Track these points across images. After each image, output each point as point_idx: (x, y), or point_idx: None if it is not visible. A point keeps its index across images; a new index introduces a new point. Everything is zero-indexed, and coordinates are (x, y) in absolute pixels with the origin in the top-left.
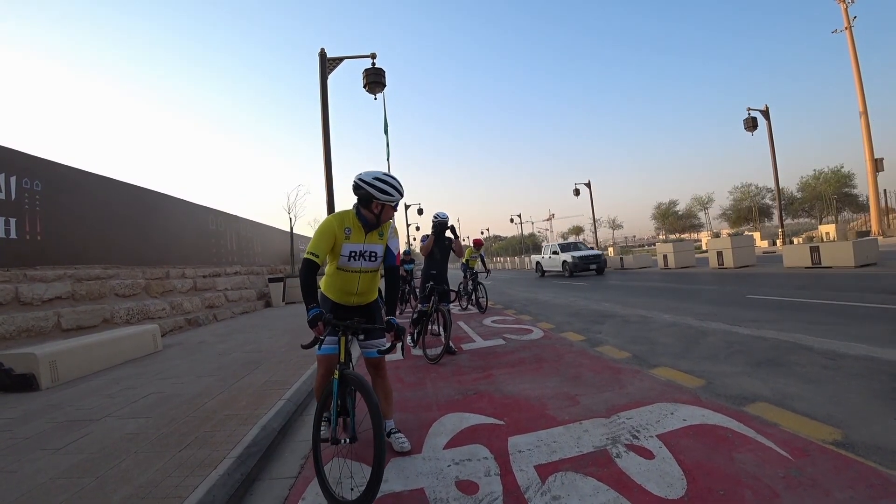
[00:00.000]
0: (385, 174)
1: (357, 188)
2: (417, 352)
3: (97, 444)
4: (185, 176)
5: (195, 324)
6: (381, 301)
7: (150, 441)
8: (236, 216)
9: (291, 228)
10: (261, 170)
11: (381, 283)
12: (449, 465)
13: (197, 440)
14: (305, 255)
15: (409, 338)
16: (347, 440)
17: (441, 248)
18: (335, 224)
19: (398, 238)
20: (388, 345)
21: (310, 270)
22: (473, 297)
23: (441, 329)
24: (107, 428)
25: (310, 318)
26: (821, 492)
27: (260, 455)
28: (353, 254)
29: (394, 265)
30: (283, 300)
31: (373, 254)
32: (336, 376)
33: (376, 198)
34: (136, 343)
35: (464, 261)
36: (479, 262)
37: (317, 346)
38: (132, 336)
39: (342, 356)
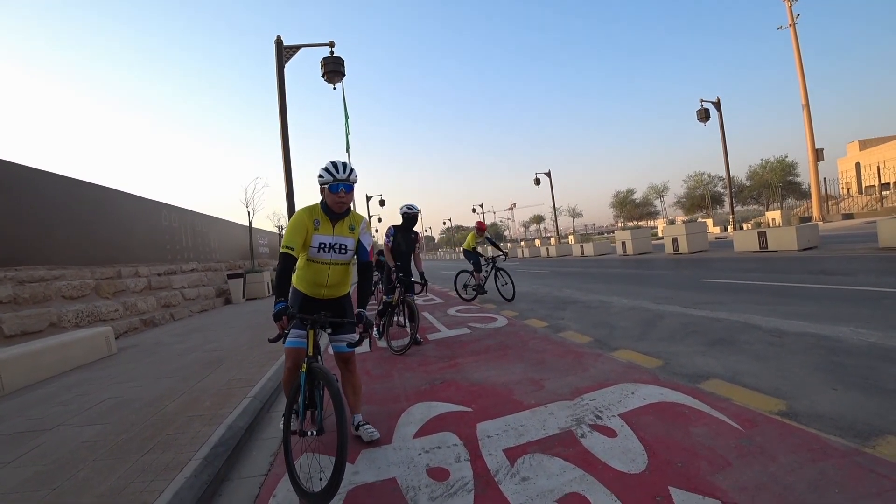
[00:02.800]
0: (335, 160)
1: (319, 177)
2: (383, 344)
3: (51, 454)
4: (135, 171)
5: (151, 324)
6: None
7: (110, 448)
8: (191, 211)
9: (250, 222)
10: (216, 164)
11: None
12: (419, 454)
13: (160, 444)
14: (282, 250)
15: (374, 330)
16: (315, 433)
17: (407, 240)
18: (305, 216)
19: (371, 234)
20: (356, 338)
21: (286, 265)
22: (496, 284)
23: (407, 321)
24: (61, 437)
25: (275, 311)
26: (768, 458)
27: (227, 455)
28: (322, 245)
29: (367, 261)
30: (244, 297)
31: (343, 246)
32: (304, 370)
33: (320, 182)
34: (88, 347)
35: (467, 248)
36: (491, 247)
37: (282, 340)
38: (83, 340)
39: (310, 349)
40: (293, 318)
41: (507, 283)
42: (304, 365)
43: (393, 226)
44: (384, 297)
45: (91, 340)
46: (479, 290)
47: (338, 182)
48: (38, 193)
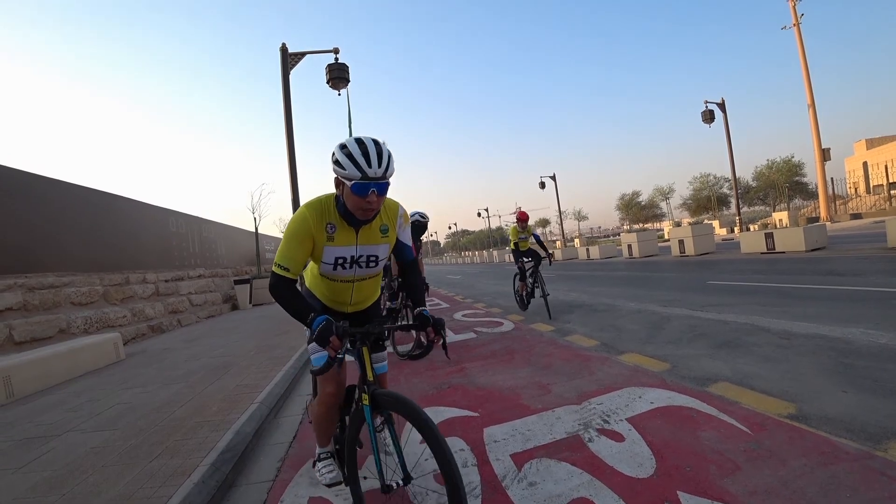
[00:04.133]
0: (360, 138)
1: (334, 162)
2: (388, 349)
3: (61, 460)
4: (143, 179)
5: (159, 330)
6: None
7: (119, 453)
8: (198, 217)
9: (256, 228)
10: (223, 170)
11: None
12: (427, 459)
13: (168, 449)
14: (274, 269)
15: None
16: (400, 482)
17: (416, 247)
18: (312, 221)
19: (409, 224)
20: (425, 343)
21: (285, 288)
22: (536, 293)
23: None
24: (70, 443)
25: (317, 330)
26: (778, 461)
27: (235, 460)
28: (341, 260)
29: (412, 259)
30: (251, 302)
31: (372, 258)
32: (365, 402)
33: (335, 172)
34: (97, 353)
35: (510, 247)
36: (536, 243)
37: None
38: (92, 346)
39: (369, 373)
40: (346, 336)
41: (545, 293)
42: (364, 395)
43: None
44: (388, 303)
45: (100, 346)
46: (521, 303)
47: (368, 181)
48: (48, 201)
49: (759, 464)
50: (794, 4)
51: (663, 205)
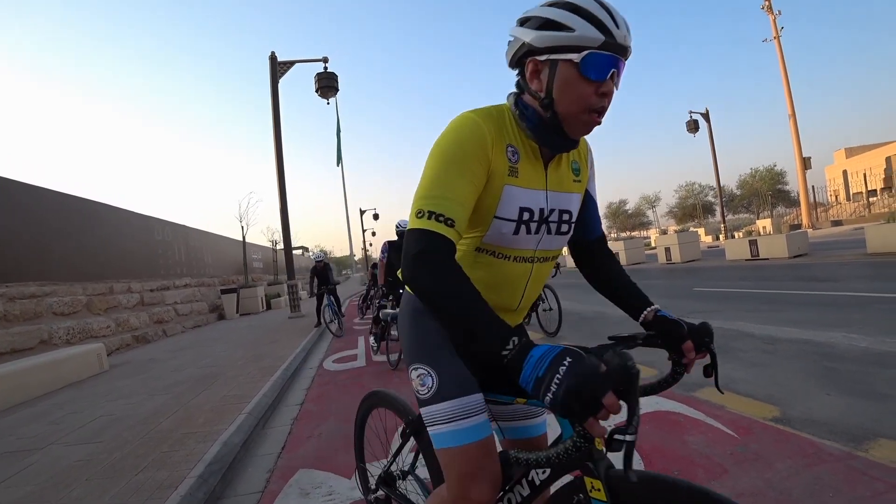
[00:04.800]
0: None
1: (539, 25)
2: (380, 357)
3: (43, 474)
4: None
5: (144, 340)
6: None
7: (103, 466)
8: (184, 226)
9: (244, 237)
10: (210, 178)
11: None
12: (418, 467)
13: (154, 462)
14: (418, 223)
15: (371, 338)
16: None
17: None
18: (489, 130)
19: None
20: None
21: (444, 259)
22: (535, 311)
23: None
24: (52, 456)
25: (570, 376)
26: (764, 464)
27: (223, 472)
28: (527, 215)
29: (600, 234)
30: (238, 312)
31: (565, 216)
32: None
33: (538, 43)
34: (80, 364)
35: None
36: None
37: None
38: (74, 357)
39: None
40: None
41: (551, 308)
42: (592, 480)
43: (388, 242)
44: (380, 308)
45: (82, 357)
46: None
47: (611, 54)
48: (29, 208)
49: (746, 467)
50: (775, 18)
51: (650, 213)
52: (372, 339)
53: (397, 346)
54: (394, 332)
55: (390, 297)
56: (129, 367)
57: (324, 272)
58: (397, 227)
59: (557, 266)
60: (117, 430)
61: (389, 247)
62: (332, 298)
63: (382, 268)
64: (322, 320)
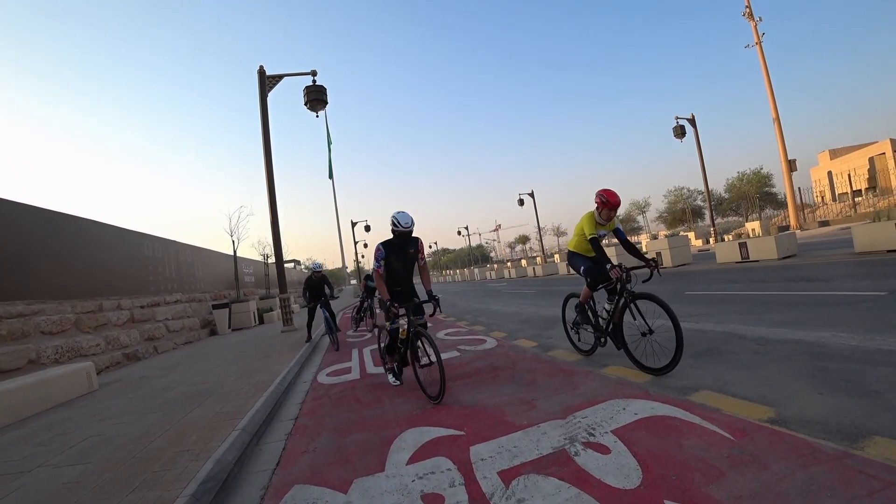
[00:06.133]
0: None
1: None
2: (376, 370)
3: (30, 497)
4: (115, 202)
5: (134, 358)
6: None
7: (92, 488)
8: (174, 241)
9: (235, 252)
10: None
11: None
12: (413, 480)
13: (146, 482)
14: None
15: (390, 375)
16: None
17: (404, 257)
18: None
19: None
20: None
21: None
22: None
23: (429, 353)
24: (40, 479)
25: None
26: (760, 466)
27: (216, 490)
28: None
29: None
30: (230, 327)
31: None
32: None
33: None
34: (69, 383)
35: (574, 248)
36: (626, 245)
37: None
38: (63, 376)
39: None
40: None
41: (651, 332)
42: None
43: (382, 244)
44: (388, 324)
45: (71, 377)
46: (597, 335)
47: None
48: (15, 226)
49: (743, 469)
50: (756, 25)
51: (640, 218)
52: (391, 376)
53: (433, 374)
54: (428, 358)
55: (400, 313)
56: (119, 385)
57: (318, 284)
58: (392, 222)
59: (655, 264)
60: (107, 451)
61: (386, 251)
62: (327, 313)
63: (380, 278)
64: (310, 335)
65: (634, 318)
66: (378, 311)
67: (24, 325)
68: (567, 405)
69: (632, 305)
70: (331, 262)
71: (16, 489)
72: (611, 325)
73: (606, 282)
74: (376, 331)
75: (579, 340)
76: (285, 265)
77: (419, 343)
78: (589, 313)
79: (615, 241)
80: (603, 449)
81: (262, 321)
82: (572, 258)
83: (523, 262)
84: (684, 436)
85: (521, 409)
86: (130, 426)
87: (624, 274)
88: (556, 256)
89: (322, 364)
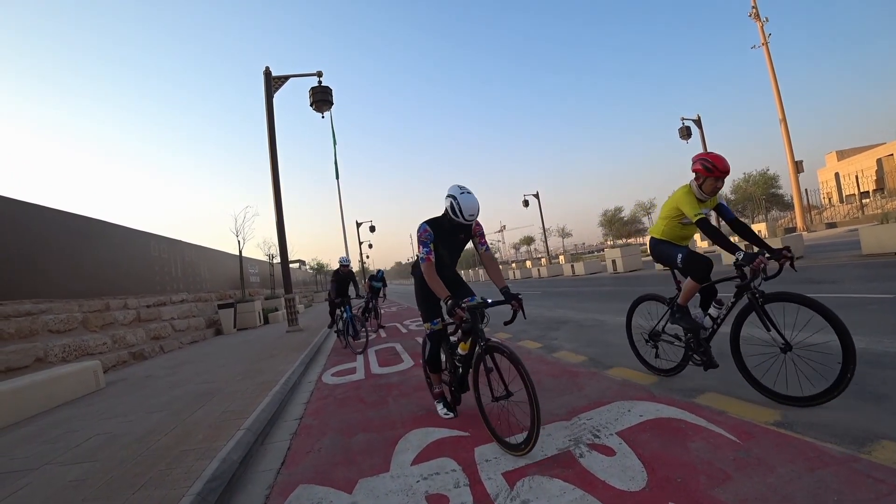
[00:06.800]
0: None
1: None
2: (382, 370)
3: (37, 495)
4: (123, 202)
5: (140, 357)
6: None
7: (99, 486)
8: (180, 241)
9: (240, 252)
10: (206, 193)
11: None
12: (418, 481)
13: (152, 480)
14: None
15: (439, 404)
16: None
17: (451, 244)
18: None
19: None
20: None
21: None
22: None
23: (505, 381)
24: (47, 477)
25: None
26: (766, 469)
27: (221, 489)
28: None
29: None
30: (235, 326)
31: None
32: None
33: None
34: (76, 382)
35: (659, 233)
36: (737, 227)
37: None
38: (70, 375)
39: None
40: None
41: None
42: None
43: (428, 223)
44: (430, 325)
45: (78, 375)
46: (701, 351)
47: None
48: (24, 226)
49: (749, 472)
50: (762, 25)
51: (645, 220)
52: (441, 406)
53: (523, 414)
54: (505, 388)
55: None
56: (125, 384)
57: (345, 280)
58: (459, 213)
59: (790, 254)
60: (114, 449)
61: (434, 231)
62: (349, 313)
63: (431, 268)
64: (334, 320)
65: (769, 330)
66: (382, 311)
67: (32, 324)
68: (572, 406)
69: (759, 310)
70: (335, 263)
71: (24, 486)
72: (711, 338)
73: (699, 270)
74: (381, 331)
75: (656, 357)
76: (291, 265)
77: (490, 363)
78: (675, 316)
79: (705, 222)
80: (608, 451)
81: (267, 321)
82: (660, 248)
83: (528, 263)
84: (690, 438)
85: (526, 410)
86: (137, 425)
87: (764, 265)
88: (561, 258)
89: (327, 364)
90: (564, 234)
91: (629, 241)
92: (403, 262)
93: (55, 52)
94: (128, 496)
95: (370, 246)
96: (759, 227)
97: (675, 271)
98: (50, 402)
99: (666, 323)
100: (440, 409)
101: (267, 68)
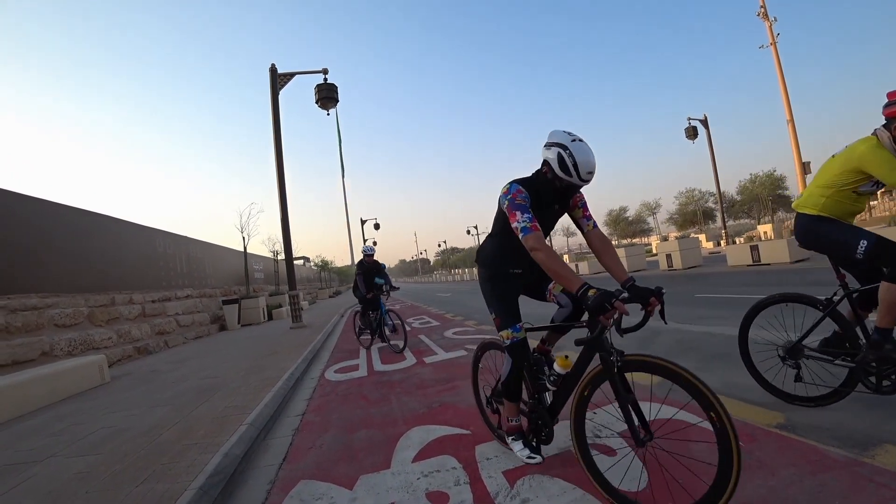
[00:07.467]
0: None
1: None
2: (385, 367)
3: (42, 487)
4: (129, 197)
5: (145, 352)
6: None
7: (103, 479)
8: (186, 237)
9: (245, 248)
10: (211, 189)
11: None
12: (418, 478)
13: (154, 474)
14: None
15: (517, 444)
16: None
17: (544, 217)
18: None
19: None
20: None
21: None
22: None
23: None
24: (52, 469)
25: None
26: (768, 472)
27: (224, 484)
28: None
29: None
30: (239, 322)
31: None
32: None
33: None
34: (81, 376)
35: (810, 208)
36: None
37: None
38: (76, 368)
39: None
40: None
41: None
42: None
43: (520, 182)
44: (504, 335)
45: (84, 369)
46: (860, 369)
47: None
48: (30, 220)
49: (750, 474)
50: (771, 24)
51: (650, 220)
52: (519, 445)
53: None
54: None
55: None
56: (130, 378)
57: (371, 271)
58: (575, 170)
59: None
60: (118, 443)
61: (529, 193)
62: (385, 309)
63: (542, 239)
64: (373, 332)
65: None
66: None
67: (39, 318)
68: None
69: None
70: (340, 260)
71: (29, 478)
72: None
73: (876, 262)
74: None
75: (799, 378)
76: (295, 262)
77: (624, 389)
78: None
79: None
80: (609, 450)
81: (271, 317)
82: (823, 229)
83: None
84: (691, 439)
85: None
86: (140, 419)
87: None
88: (566, 257)
89: (330, 361)
90: (569, 233)
91: (634, 241)
92: (407, 260)
93: (64, 48)
94: (131, 489)
95: (374, 243)
96: (766, 229)
97: (840, 267)
98: (55, 395)
99: (806, 335)
100: (518, 448)
101: (272, 65)
